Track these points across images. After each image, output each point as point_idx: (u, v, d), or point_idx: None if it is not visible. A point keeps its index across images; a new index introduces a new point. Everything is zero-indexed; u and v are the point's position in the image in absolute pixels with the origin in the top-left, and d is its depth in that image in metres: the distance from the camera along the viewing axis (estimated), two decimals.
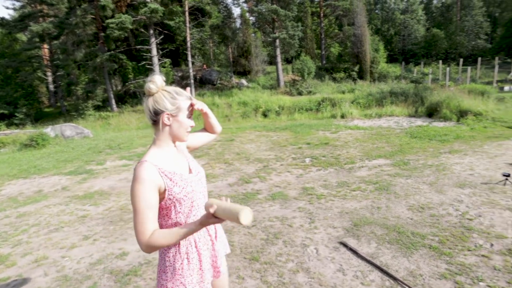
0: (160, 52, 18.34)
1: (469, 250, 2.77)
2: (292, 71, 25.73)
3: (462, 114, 11.01)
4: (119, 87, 23.04)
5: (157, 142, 1.24)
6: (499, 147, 6.84)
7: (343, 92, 19.06)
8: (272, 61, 30.13)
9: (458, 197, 4.02)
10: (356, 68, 25.37)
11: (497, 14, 40.92)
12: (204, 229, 1.29)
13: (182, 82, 22.35)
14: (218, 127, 1.63)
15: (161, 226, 1.22)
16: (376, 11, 44.51)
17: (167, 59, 19.41)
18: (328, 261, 2.73)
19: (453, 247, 2.83)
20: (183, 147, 1.42)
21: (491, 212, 3.54)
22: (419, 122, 11.16)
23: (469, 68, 23.32)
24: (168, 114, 1.21)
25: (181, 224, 1.22)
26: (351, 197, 4.27)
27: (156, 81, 1.20)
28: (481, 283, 2.33)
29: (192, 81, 18.99)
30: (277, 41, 21.08)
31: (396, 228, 3.25)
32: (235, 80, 24.25)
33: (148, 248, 1.09)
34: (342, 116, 13.62)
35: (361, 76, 24.96)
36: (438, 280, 2.39)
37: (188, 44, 18.61)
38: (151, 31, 17.66)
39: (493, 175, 4.84)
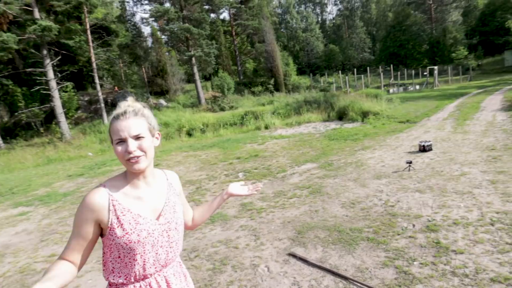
0: (59, 75, 16.13)
1: (398, 234, 3.07)
2: (212, 88, 25.86)
3: (364, 115, 12.70)
4: (5, 119, 19.32)
5: (124, 173, 1.09)
6: (397, 139, 8.05)
7: (263, 104, 19.96)
8: (190, 79, 29.77)
9: (379, 188, 4.50)
10: (272, 81, 27.06)
11: (374, 32, 49.38)
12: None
13: (90, 107, 20.09)
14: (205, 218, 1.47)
15: (107, 263, 1.05)
16: (282, 29, 48.71)
17: (68, 83, 17.19)
18: (281, 277, 2.66)
19: (386, 234, 3.10)
20: (174, 179, 1.23)
21: (406, 196, 4.05)
22: (333, 125, 12.39)
23: (362, 76, 27.37)
24: (111, 141, 1.04)
25: (112, 272, 1.04)
26: (290, 205, 4.35)
27: (119, 107, 1.06)
28: (415, 263, 2.58)
29: (102, 105, 17.22)
30: (193, 59, 20.98)
31: (336, 227, 3.41)
32: (152, 100, 23.01)
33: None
34: (266, 127, 14.17)
35: (277, 88, 26.69)
36: (381, 269, 2.56)
37: (94, 65, 16.91)
38: (45, 52, 15.43)
39: (399, 164, 5.61)
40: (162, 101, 23.13)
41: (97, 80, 16.98)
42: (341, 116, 13.79)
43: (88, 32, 16.66)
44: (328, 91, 20.07)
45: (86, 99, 20.80)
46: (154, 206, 1.08)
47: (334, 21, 56.86)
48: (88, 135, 15.72)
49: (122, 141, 0.99)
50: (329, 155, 7.26)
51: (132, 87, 25.15)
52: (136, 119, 1.02)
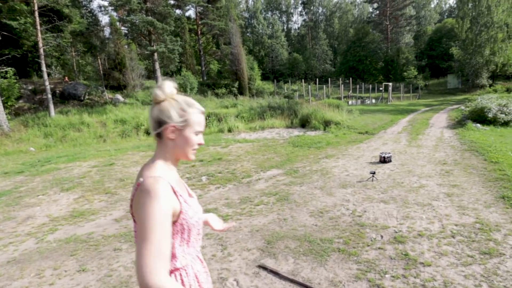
0: None
1: (368, 246, 3.05)
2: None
3: (327, 123, 13.10)
4: None
5: (161, 157, 1.05)
6: (358, 150, 8.35)
7: (227, 107, 19.67)
8: (150, 76, 28.40)
9: (345, 197, 4.52)
10: (236, 84, 26.92)
11: (336, 45, 51.98)
12: (202, 263, 1.15)
13: (35, 97, 18.04)
14: None
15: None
16: (248, 34, 48.98)
17: (9, 68, 15.24)
18: None
19: (356, 245, 3.06)
20: None
21: (371, 206, 4.11)
22: (296, 132, 12.57)
23: (324, 86, 28.48)
24: (173, 127, 1.02)
25: (175, 257, 1.01)
26: (257, 212, 4.17)
27: (165, 88, 1.02)
28: (386, 275, 2.54)
29: (49, 95, 15.54)
30: (156, 54, 20.00)
31: (306, 237, 3.30)
32: (108, 95, 21.43)
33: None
34: (230, 130, 13.92)
35: (241, 92, 26.60)
36: (355, 282, 2.48)
37: (41, 51, 15.21)
38: None
39: (362, 174, 5.76)
40: (118, 96, 21.65)
41: (44, 68, 15.28)
42: (304, 123, 14.08)
43: (36, 14, 14.95)
44: (292, 98, 20.48)
45: (30, 88, 18.64)
46: (183, 187, 1.12)
47: (299, 30, 58.78)
48: (31, 128, 14.04)
49: (200, 133, 1.08)
50: (294, 162, 7.25)
51: (85, 78, 23.21)
52: None
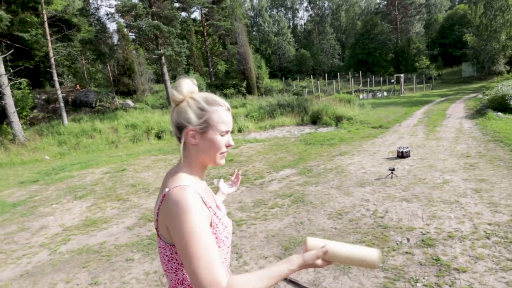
0: (11, 71, 14.53)
1: (394, 250, 2.83)
2: None
3: (338, 119, 12.78)
4: None
5: (186, 165, 0.93)
6: (373, 145, 8.05)
7: (236, 107, 19.55)
8: (159, 79, 28.60)
9: (364, 197, 4.29)
10: (244, 84, 26.77)
11: (344, 39, 51.12)
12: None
13: (48, 107, 18.43)
14: None
15: (182, 281, 0.88)
16: (254, 32, 48.76)
17: (22, 79, 15.57)
18: None
19: (381, 250, 2.84)
20: None
21: (393, 205, 3.87)
22: (307, 129, 12.31)
23: (333, 81, 27.98)
24: (192, 130, 0.89)
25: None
26: (272, 216, 4.00)
27: (182, 86, 0.90)
28: (418, 284, 2.33)
29: (62, 104, 15.79)
30: (163, 58, 20.06)
31: None
32: (118, 101, 21.68)
33: None
34: (240, 131, 13.78)
35: (249, 91, 26.44)
36: None
37: (52, 60, 15.46)
38: None
39: (380, 170, 5.50)
40: (129, 102, 21.88)
41: (55, 77, 15.54)
42: (315, 120, 13.79)
43: (46, 24, 15.21)
44: (301, 95, 20.17)
45: (44, 97, 19.05)
46: (212, 197, 1.01)
47: (305, 26, 58.12)
48: (45, 137, 14.29)
49: (226, 133, 0.94)
50: (307, 160, 7.03)
51: (96, 86, 23.56)
52: None
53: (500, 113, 10.53)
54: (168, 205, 0.80)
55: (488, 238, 2.86)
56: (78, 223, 4.47)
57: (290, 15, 58.01)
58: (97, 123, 15.36)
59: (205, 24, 31.31)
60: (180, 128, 0.90)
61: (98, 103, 19.84)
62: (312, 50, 45.53)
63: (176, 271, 0.87)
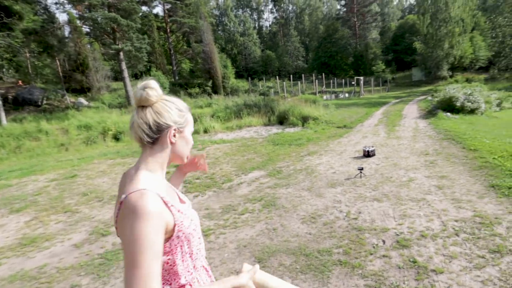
0: None
1: (371, 254, 2.75)
2: None
3: (304, 119, 12.92)
4: None
5: (149, 166, 0.91)
6: (339, 145, 8.18)
7: (201, 107, 19.00)
8: (117, 77, 26.92)
9: (336, 198, 4.23)
10: (210, 83, 26.20)
11: (307, 42, 52.50)
12: (206, 272, 1.03)
13: None
14: None
15: (175, 270, 0.90)
16: (219, 32, 48.12)
17: None
18: None
19: (358, 255, 2.75)
20: None
21: (365, 206, 3.84)
22: (274, 129, 12.26)
23: (299, 82, 28.51)
24: (175, 130, 0.93)
25: (178, 275, 0.90)
26: (242, 223, 3.75)
27: (156, 88, 0.91)
28: None
29: None
30: (121, 53, 18.82)
31: (301, 250, 2.94)
32: (70, 99, 19.94)
33: None
34: (206, 131, 13.35)
35: (215, 91, 25.92)
36: None
37: None
38: None
39: (349, 170, 5.53)
40: (82, 100, 20.23)
41: None
42: (282, 120, 13.82)
43: None
44: (268, 95, 20.16)
45: None
46: (174, 193, 1.00)
47: (270, 28, 58.74)
48: None
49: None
50: (276, 161, 6.90)
51: (43, 82, 21.42)
52: None
53: (448, 114, 11.39)
54: (124, 212, 0.78)
55: (457, 235, 2.90)
56: (13, 243, 3.80)
57: (255, 16, 58.23)
58: (43, 124, 13.88)
59: (168, 20, 30.14)
60: (159, 128, 0.91)
61: (44, 101, 18.03)
62: (278, 52, 46.11)
63: None
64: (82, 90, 22.33)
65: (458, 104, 11.82)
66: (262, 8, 58.20)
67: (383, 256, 2.69)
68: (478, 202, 3.59)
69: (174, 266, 0.89)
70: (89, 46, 26.02)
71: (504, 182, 3.99)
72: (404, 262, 2.57)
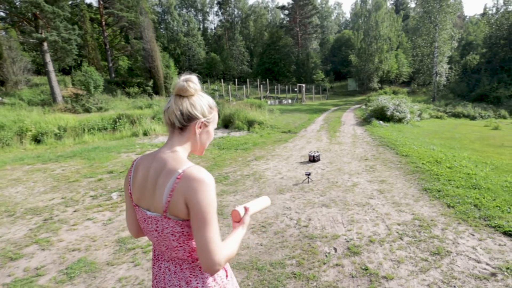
0: None
1: (324, 263, 2.66)
2: (73, 84, 21.25)
3: (250, 124, 12.89)
4: None
5: (182, 149, 1.04)
6: (285, 149, 8.26)
7: (141, 108, 17.74)
8: (40, 70, 23.64)
9: (285, 204, 4.13)
10: (151, 83, 24.66)
11: (252, 47, 53.39)
12: None
13: None
14: None
15: (193, 250, 1.00)
16: (161, 30, 45.97)
17: None
18: None
19: (312, 265, 2.63)
20: None
21: (314, 212, 3.81)
22: (219, 133, 11.95)
23: (244, 86, 28.64)
24: (202, 123, 1.05)
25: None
26: None
27: (196, 82, 1.03)
28: None
29: None
30: (45, 44, 16.51)
31: (253, 263, 2.72)
32: None
33: (223, 264, 0.91)
34: (145, 134, 12.39)
35: (156, 91, 24.48)
36: None
37: None
38: None
39: (296, 175, 5.54)
40: None
41: None
42: (227, 124, 13.59)
43: None
44: (213, 98, 19.80)
45: None
46: None
47: (215, 30, 58.26)
48: None
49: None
50: (222, 167, 6.62)
51: None
52: None
53: (381, 122, 12.51)
54: (190, 183, 0.90)
55: (401, 239, 3.00)
56: None
57: (200, 17, 57.17)
58: None
59: (103, 12, 27.61)
60: (190, 118, 1.01)
61: None
62: (222, 55, 45.87)
63: (188, 241, 0.97)
64: None
65: (388, 113, 13.06)
66: (208, 10, 57.52)
67: (336, 265, 2.63)
68: (415, 205, 3.83)
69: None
70: (3, 33, 22.40)
71: (434, 186, 4.36)
72: (357, 270, 2.53)
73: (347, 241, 3.01)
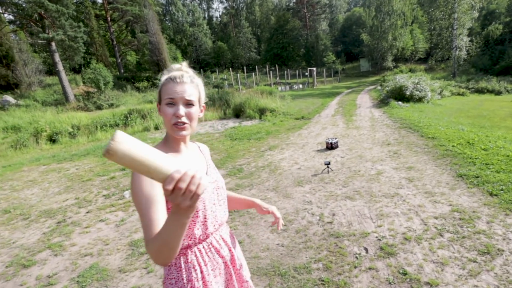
0: None
1: (355, 267, 2.36)
2: (84, 82, 21.37)
3: (262, 112, 12.52)
4: None
5: (165, 137, 1.06)
6: (300, 137, 7.90)
7: (151, 102, 17.65)
8: (52, 70, 23.88)
9: (305, 198, 3.83)
10: (159, 76, 24.54)
11: (259, 33, 52.19)
12: (213, 249, 1.06)
13: None
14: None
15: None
16: (167, 22, 45.50)
17: None
18: None
19: (341, 270, 2.35)
20: (206, 151, 1.21)
21: (338, 206, 3.50)
22: (231, 123, 11.67)
23: (252, 74, 28.08)
24: (158, 104, 1.04)
25: (195, 238, 1.01)
26: None
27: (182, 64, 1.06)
28: None
29: None
30: (53, 44, 16.51)
31: (275, 268, 2.46)
32: None
33: (155, 258, 0.79)
34: (157, 128, 12.27)
35: None
36: None
37: None
38: None
39: (315, 165, 5.20)
40: (8, 98, 17.50)
41: None
42: (238, 113, 13.28)
43: None
44: (222, 87, 19.43)
45: None
46: (198, 166, 1.07)
47: (220, 18, 57.23)
48: None
49: (173, 103, 0.98)
50: (235, 159, 6.37)
51: None
52: (191, 85, 1.01)
53: (400, 102, 11.86)
54: None
55: (441, 235, 2.66)
56: None
57: (204, 6, 56.18)
58: None
59: (108, 7, 27.41)
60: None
61: None
62: (229, 43, 45.07)
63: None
64: (9, 86, 19.37)
65: (407, 93, 12.37)
66: None
67: (369, 268, 2.33)
68: (451, 194, 3.44)
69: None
70: (13, 36, 22.63)
71: (470, 171, 3.94)
72: (394, 275, 2.23)
73: (379, 240, 2.70)
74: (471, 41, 28.01)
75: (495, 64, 26.09)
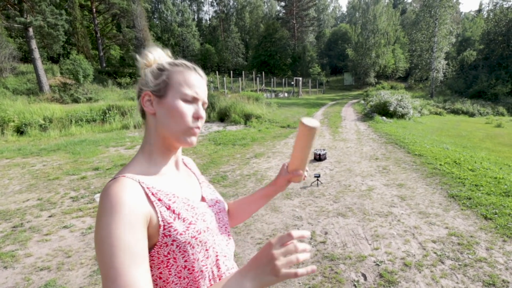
0: None
1: None
2: (61, 73, 20.25)
3: (247, 117, 12.28)
4: None
5: (145, 148, 0.73)
6: (286, 146, 7.70)
7: (133, 99, 16.93)
8: (27, 58, 22.49)
9: (295, 212, 3.59)
10: (142, 59, 23.75)
11: (248, 40, 52.32)
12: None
13: None
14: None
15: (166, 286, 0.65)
16: (155, 19, 44.63)
17: None
18: None
19: None
20: (192, 165, 0.91)
21: (330, 223, 3.28)
22: (215, 127, 11.33)
23: (239, 79, 27.88)
24: (148, 95, 0.71)
25: None
26: None
27: (149, 53, 0.74)
28: None
29: None
30: (31, 29, 15.51)
31: None
32: None
33: None
34: (135, 127, 11.70)
35: None
36: None
37: None
38: None
39: None
40: None
41: None
42: (223, 117, 12.97)
43: None
44: (208, 90, 19.07)
45: None
46: (192, 186, 0.79)
47: (210, 22, 56.94)
48: None
49: (192, 101, 0.71)
50: (219, 164, 6.05)
51: None
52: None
53: (384, 117, 12.03)
54: (99, 204, 0.62)
55: (442, 262, 2.48)
56: None
57: (195, 8, 55.73)
58: None
59: None
60: (138, 95, 0.75)
61: None
62: (217, 47, 44.77)
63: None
64: None
65: (391, 109, 12.59)
66: (202, 0, 56.09)
67: None
68: (446, 216, 3.32)
69: (167, 284, 0.65)
70: None
71: (462, 192, 3.87)
72: None
73: (377, 265, 2.48)
74: (448, 64, 29.40)
75: (469, 87, 27.48)
